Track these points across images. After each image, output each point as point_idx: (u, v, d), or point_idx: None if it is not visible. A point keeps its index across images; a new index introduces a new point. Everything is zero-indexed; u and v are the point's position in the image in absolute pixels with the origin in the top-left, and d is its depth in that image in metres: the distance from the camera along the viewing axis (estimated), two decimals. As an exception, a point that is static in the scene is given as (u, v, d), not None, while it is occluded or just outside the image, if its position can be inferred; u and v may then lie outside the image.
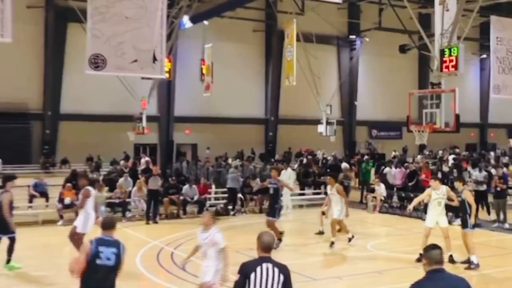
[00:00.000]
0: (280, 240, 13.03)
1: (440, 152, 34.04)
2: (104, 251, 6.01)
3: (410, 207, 13.02)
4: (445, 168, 23.99)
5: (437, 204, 11.76)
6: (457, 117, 15.91)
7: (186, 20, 28.26)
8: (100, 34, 15.08)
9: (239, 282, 4.92)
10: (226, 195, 19.63)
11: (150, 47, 15.50)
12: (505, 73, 17.09)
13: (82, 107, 34.10)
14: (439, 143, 37.68)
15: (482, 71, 45.92)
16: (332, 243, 13.21)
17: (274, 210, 13.37)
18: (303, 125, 37.55)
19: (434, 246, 4.66)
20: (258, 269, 4.91)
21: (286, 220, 18.55)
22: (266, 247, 5.07)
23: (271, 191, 13.49)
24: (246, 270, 4.94)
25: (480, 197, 17.92)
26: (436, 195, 11.75)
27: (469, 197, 11.53)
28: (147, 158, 26.75)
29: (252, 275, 4.89)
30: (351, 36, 41.48)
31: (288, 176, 19.33)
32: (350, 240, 13.66)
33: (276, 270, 4.95)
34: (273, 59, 39.36)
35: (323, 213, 15.18)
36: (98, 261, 5.99)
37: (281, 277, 4.96)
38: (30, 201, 17.91)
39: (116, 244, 6.17)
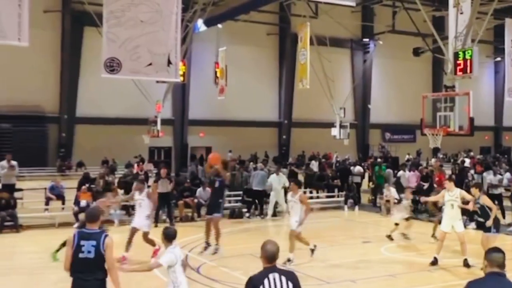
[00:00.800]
0: (209, 245, 12.35)
1: (462, 154, 33.95)
2: (85, 244, 6.00)
3: (423, 200, 13.49)
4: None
5: (450, 207, 11.66)
6: (471, 120, 15.84)
7: (200, 23, 28.41)
8: (116, 38, 15.22)
9: None
10: (239, 198, 19.62)
11: (165, 50, 15.60)
12: (520, 76, 17.01)
13: (98, 110, 34.46)
14: (453, 147, 37.57)
15: (496, 74, 45.62)
16: (288, 260, 11.70)
17: (219, 206, 12.53)
18: (317, 128, 37.57)
19: (497, 250, 4.63)
20: (266, 281, 4.78)
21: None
22: (270, 257, 4.99)
23: (216, 185, 12.63)
24: (253, 284, 4.81)
25: (495, 201, 17.87)
26: (449, 196, 11.66)
27: (487, 201, 11.46)
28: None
29: None
30: (364, 39, 41.46)
31: (278, 181, 18.94)
32: (313, 251, 12.34)
33: (284, 278, 4.84)
34: (287, 62, 39.44)
35: None
36: (80, 255, 6.00)
37: (290, 284, 4.83)
38: (47, 203, 18.10)
39: (96, 236, 6.09)
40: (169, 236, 6.63)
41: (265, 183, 18.97)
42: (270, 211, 18.86)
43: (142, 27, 15.37)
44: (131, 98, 30.75)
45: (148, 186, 19.48)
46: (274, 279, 4.79)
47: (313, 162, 30.36)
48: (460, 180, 19.31)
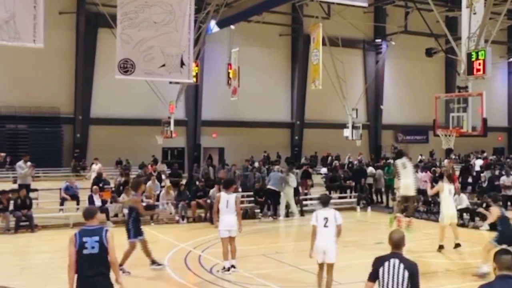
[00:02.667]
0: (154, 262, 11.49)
1: (474, 154, 33.76)
2: (88, 241, 6.22)
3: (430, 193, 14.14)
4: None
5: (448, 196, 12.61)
6: (485, 121, 15.75)
7: (213, 24, 28.50)
8: (129, 39, 15.34)
9: (372, 274, 5.53)
10: (252, 198, 19.65)
11: (178, 51, 15.67)
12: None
13: (112, 111, 34.73)
14: (466, 147, 37.30)
15: (510, 74, 45.26)
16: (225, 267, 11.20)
17: (129, 231, 11.11)
18: (329, 129, 37.55)
19: (505, 251, 4.68)
20: (386, 263, 5.40)
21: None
22: (395, 244, 5.54)
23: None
24: (376, 264, 5.50)
25: (507, 202, 17.83)
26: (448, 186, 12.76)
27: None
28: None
29: (381, 269, 5.42)
30: (377, 40, 41.35)
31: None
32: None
33: (402, 266, 5.35)
34: (299, 63, 39.46)
35: None
36: (85, 251, 6.21)
37: (406, 273, 5.32)
38: (62, 203, 18.29)
39: (98, 231, 6.33)
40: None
41: (281, 184, 18.94)
42: (282, 211, 18.89)
43: (156, 28, 15.46)
44: (145, 99, 30.98)
45: (162, 187, 19.78)
46: (394, 264, 5.37)
47: (336, 162, 30.37)
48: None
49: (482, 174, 21.30)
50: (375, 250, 13.43)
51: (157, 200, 18.56)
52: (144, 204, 14.53)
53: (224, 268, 11.18)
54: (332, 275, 9.23)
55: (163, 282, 10.86)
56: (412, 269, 5.37)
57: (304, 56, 37.68)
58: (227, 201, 11.09)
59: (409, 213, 13.98)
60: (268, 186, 18.98)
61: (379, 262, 5.49)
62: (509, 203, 17.94)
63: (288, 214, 19.09)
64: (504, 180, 17.64)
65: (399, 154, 15.50)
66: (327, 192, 22.84)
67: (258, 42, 37.81)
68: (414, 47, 37.20)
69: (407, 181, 13.78)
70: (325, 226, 9.13)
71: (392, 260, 5.39)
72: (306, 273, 11.42)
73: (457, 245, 13.06)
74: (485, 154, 36.56)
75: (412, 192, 14.02)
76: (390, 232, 5.75)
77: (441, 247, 13.10)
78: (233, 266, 11.22)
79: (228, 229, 11.07)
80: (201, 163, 32.28)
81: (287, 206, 19.06)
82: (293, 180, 19.09)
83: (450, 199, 13.07)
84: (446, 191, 12.98)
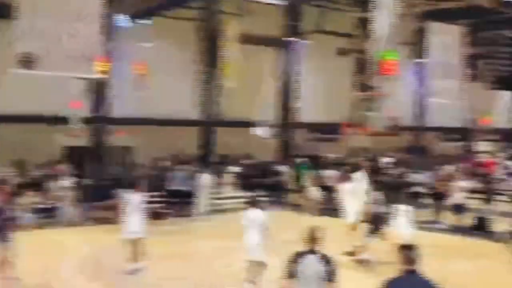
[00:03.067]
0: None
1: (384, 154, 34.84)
2: None
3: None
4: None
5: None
6: (395, 120, 16.10)
7: (124, 19, 27.57)
8: (32, 31, 14.32)
9: (288, 271, 5.52)
10: (163, 198, 19.02)
11: (85, 46, 14.90)
12: (441, 77, 17.48)
13: (9, 107, 32.42)
14: (376, 146, 38.40)
15: (419, 75, 46.91)
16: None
17: None
18: (241, 128, 37.29)
19: (409, 247, 4.77)
20: (303, 259, 5.47)
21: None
22: (311, 239, 5.60)
23: None
24: (293, 260, 5.52)
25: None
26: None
27: None
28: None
29: (299, 264, 5.44)
30: (291, 38, 41.59)
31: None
32: None
33: (319, 260, 5.42)
34: (212, 60, 38.89)
35: None
36: None
37: (325, 267, 5.39)
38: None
39: None
40: None
41: (187, 183, 18.55)
42: (200, 210, 18.37)
43: (62, 20, 14.54)
44: (47, 95, 29.33)
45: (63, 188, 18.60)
46: (311, 259, 5.44)
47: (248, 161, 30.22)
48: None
49: (390, 172, 21.72)
50: (284, 249, 13.23)
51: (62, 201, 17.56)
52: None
53: (130, 270, 10.79)
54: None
55: None
56: (330, 263, 5.44)
57: (216, 53, 37.19)
58: (135, 202, 10.79)
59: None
60: (175, 187, 18.51)
61: (295, 258, 5.50)
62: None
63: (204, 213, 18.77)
64: (413, 178, 18.12)
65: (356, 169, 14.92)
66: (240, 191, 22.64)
67: (170, 38, 36.78)
68: (328, 46, 37.68)
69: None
70: (251, 227, 9.40)
71: (309, 256, 5.44)
72: (215, 273, 11.12)
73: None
74: (394, 153, 37.79)
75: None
76: (307, 228, 5.78)
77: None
78: (139, 270, 10.87)
79: (135, 231, 10.73)
80: (108, 162, 31.00)
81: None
82: (205, 179, 18.73)
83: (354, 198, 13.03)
84: (349, 190, 13.05)
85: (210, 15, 37.69)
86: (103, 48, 18.84)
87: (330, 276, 5.38)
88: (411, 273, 4.60)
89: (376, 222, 11.65)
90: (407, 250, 4.70)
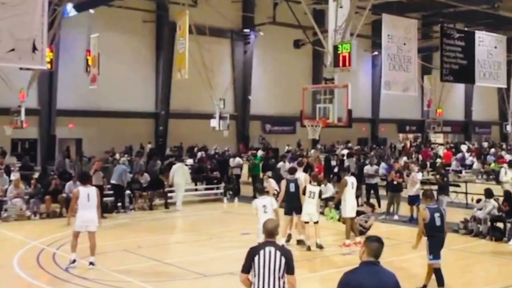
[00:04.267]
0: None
1: (340, 146, 35.14)
2: None
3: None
4: (333, 162, 24.83)
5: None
6: (350, 112, 16.10)
7: (70, 8, 26.76)
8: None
9: (246, 264, 5.52)
10: (112, 192, 18.51)
11: (29, 35, 14.18)
12: (396, 69, 17.58)
13: None
14: (332, 138, 38.71)
15: (374, 67, 47.41)
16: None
17: None
18: (196, 120, 36.81)
19: (376, 239, 4.74)
20: (261, 252, 5.44)
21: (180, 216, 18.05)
22: (269, 233, 5.63)
23: None
24: (251, 253, 5.51)
25: (371, 190, 18.46)
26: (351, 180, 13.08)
27: None
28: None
29: (256, 258, 5.44)
30: (245, 30, 41.22)
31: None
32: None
33: (278, 253, 5.44)
34: (164, 52, 38.16)
35: None
36: None
37: (283, 259, 5.42)
38: None
39: None
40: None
41: (124, 177, 18.09)
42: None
43: (4, 9, 13.80)
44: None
45: (10, 181, 17.80)
46: (270, 252, 5.43)
47: (202, 153, 29.89)
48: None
49: (345, 162, 21.81)
50: (241, 241, 13.05)
51: (5, 195, 16.76)
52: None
53: (71, 261, 10.57)
54: None
55: (12, 284, 9.65)
56: (287, 255, 5.48)
57: (169, 45, 36.48)
58: (88, 195, 10.57)
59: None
60: (111, 181, 18.01)
61: (254, 251, 5.51)
62: (372, 191, 18.54)
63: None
64: (367, 169, 18.17)
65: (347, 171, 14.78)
66: (194, 184, 22.32)
67: (120, 28, 35.91)
68: (282, 38, 37.67)
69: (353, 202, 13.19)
70: (264, 212, 10.37)
71: (267, 248, 5.45)
72: (170, 267, 10.89)
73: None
74: (350, 144, 38.21)
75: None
76: (264, 221, 5.92)
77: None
78: (91, 263, 10.59)
79: (87, 224, 10.55)
80: (56, 155, 30.11)
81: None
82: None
83: (353, 193, 13.08)
84: (350, 185, 12.97)
85: (161, 6, 37.09)
86: (49, 38, 18.31)
87: (288, 268, 5.43)
88: (371, 264, 4.60)
89: None
90: (369, 242, 4.69)
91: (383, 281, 4.55)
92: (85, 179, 11.18)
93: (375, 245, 4.66)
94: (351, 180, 13.13)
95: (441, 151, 36.26)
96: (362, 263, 4.63)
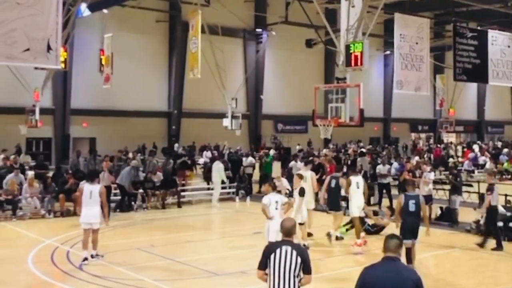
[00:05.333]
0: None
1: (352, 145, 35.02)
2: None
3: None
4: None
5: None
6: (362, 111, 16.10)
7: (84, 7, 26.81)
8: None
9: (262, 261, 5.58)
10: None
11: (44, 35, 14.30)
12: (408, 69, 17.51)
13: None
14: (343, 137, 38.68)
15: (386, 67, 47.28)
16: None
17: None
18: (208, 119, 36.97)
19: (393, 236, 4.96)
20: (278, 250, 5.48)
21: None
22: (287, 232, 5.67)
23: None
24: (267, 251, 5.57)
25: (383, 189, 18.42)
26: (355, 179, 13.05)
27: None
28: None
29: (272, 256, 5.48)
30: (257, 29, 41.30)
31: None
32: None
33: (294, 252, 5.47)
34: (177, 51, 38.38)
35: None
36: None
37: (299, 259, 5.45)
38: None
39: None
40: None
41: (125, 179, 18.19)
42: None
43: (19, 9, 13.92)
44: (6, 85, 28.49)
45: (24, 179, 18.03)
46: (286, 251, 5.47)
47: (214, 152, 29.98)
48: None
49: (357, 161, 21.75)
50: (253, 240, 13.12)
51: (20, 193, 16.96)
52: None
53: (84, 259, 10.84)
54: None
55: (27, 282, 9.78)
56: (304, 255, 5.52)
57: (182, 44, 36.68)
58: (91, 192, 10.89)
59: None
60: (117, 181, 18.17)
61: (270, 249, 5.57)
62: (384, 191, 18.50)
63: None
64: (380, 168, 18.15)
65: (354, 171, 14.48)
66: (206, 183, 22.42)
67: (133, 28, 36.14)
68: (295, 37, 37.66)
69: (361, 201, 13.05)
70: (276, 208, 10.38)
71: (284, 247, 5.49)
72: (183, 265, 10.99)
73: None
74: (361, 144, 38.13)
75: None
76: (282, 220, 5.95)
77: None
78: (94, 256, 10.99)
79: (90, 221, 10.86)
80: (70, 154, 30.34)
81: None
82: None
83: (359, 192, 12.89)
84: (354, 184, 12.86)
85: (174, 6, 37.24)
86: (63, 38, 18.46)
87: (304, 267, 5.48)
88: (391, 260, 4.76)
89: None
90: (389, 239, 4.88)
91: (403, 277, 4.66)
92: (93, 177, 11.37)
93: (392, 241, 4.83)
94: (355, 180, 12.94)
95: (452, 151, 36.16)
96: (382, 259, 4.80)
